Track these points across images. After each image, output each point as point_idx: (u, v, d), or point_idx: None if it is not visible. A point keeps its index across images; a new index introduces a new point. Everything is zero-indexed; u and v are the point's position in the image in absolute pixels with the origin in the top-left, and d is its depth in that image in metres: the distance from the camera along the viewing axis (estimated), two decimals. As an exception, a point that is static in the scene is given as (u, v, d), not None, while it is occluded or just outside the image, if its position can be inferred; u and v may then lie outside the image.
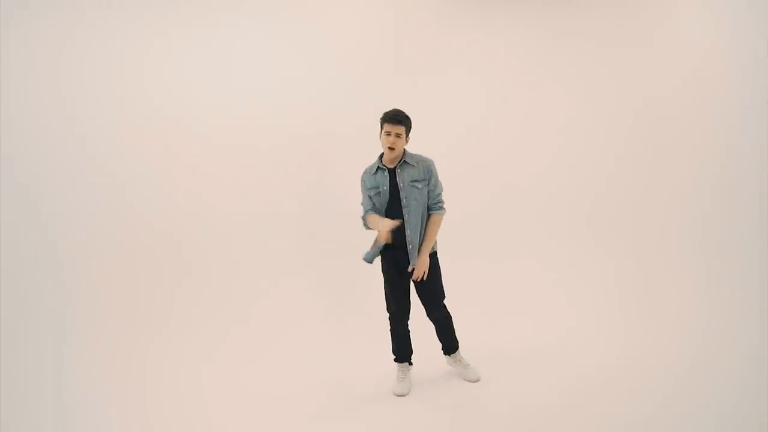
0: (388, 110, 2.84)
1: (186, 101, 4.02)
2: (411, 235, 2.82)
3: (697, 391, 2.65)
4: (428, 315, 2.99)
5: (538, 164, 4.66)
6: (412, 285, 2.95)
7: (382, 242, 2.80)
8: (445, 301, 2.98)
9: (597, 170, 4.53)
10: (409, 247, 2.83)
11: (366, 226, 2.91)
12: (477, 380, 2.99)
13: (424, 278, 2.83)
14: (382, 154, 2.89)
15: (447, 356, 3.12)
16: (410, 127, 2.88)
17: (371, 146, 3.19)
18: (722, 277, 3.78)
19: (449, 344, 3.08)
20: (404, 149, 2.91)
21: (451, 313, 3.02)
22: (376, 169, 2.91)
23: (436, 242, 2.92)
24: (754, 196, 3.46)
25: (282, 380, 3.13)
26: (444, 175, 3.00)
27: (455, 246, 3.53)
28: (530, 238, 4.53)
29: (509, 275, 4.32)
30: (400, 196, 2.83)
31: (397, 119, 2.80)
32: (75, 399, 2.97)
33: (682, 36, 3.92)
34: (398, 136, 2.81)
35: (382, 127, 2.85)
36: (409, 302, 2.95)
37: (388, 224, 2.66)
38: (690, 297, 3.80)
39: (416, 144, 3.13)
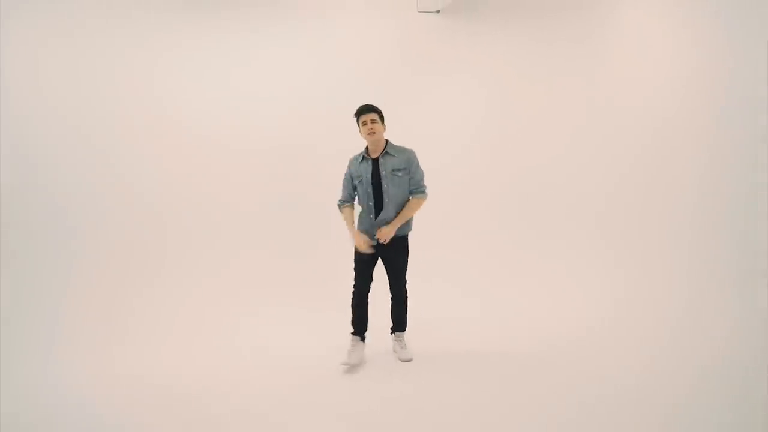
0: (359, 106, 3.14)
1: (186, 101, 4.29)
2: (386, 216, 3.09)
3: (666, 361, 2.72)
4: (391, 289, 3.24)
5: (523, 164, 4.95)
6: (377, 267, 3.20)
7: (359, 249, 3.09)
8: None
9: (581, 169, 4.71)
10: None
11: (340, 210, 3.28)
12: (409, 360, 3.18)
13: (386, 245, 3.09)
14: (367, 147, 3.18)
15: (392, 333, 3.34)
16: (383, 115, 3.15)
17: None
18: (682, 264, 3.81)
19: (399, 323, 3.31)
20: (387, 140, 3.17)
21: (408, 298, 3.27)
22: (362, 159, 3.18)
23: (411, 226, 3.21)
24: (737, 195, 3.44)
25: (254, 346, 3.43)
26: (441, 171, 3.21)
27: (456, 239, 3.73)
28: (516, 231, 4.84)
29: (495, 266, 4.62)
30: (382, 183, 3.09)
31: (368, 108, 3.10)
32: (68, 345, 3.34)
33: (655, 48, 4.01)
34: (374, 122, 3.07)
35: (358, 122, 3.13)
36: (371, 281, 3.20)
37: (360, 244, 3.06)
38: (666, 286, 3.83)
39: (417, 144, 3.32)
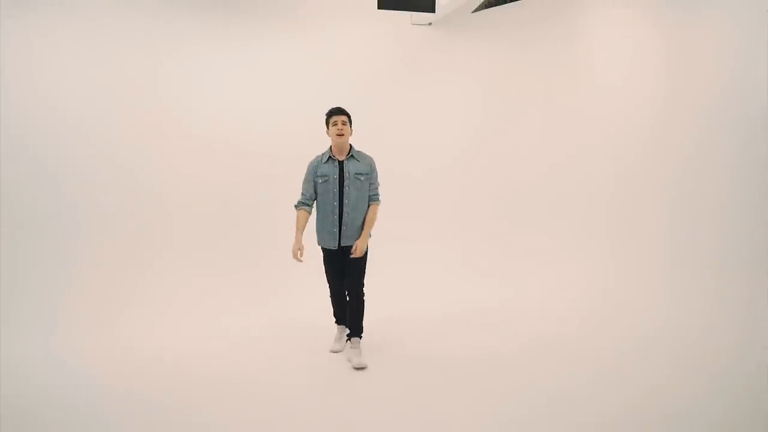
0: (331, 108, 3.31)
1: (188, 102, 4.65)
2: (347, 217, 3.23)
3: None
4: (348, 287, 3.32)
5: (507, 163, 5.34)
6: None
7: (294, 255, 3.26)
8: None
9: (562, 168, 5.09)
10: (344, 227, 3.24)
11: (296, 210, 3.35)
12: (364, 368, 3.19)
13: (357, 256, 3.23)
14: (331, 147, 3.31)
15: (348, 340, 3.41)
16: (351, 119, 3.32)
17: (368, 146, 3.68)
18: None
19: (356, 328, 3.35)
20: (350, 145, 3.32)
21: (365, 302, 3.36)
22: (327, 159, 3.29)
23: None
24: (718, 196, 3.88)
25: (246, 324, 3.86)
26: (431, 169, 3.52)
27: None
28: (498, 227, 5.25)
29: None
30: (344, 184, 3.24)
31: (339, 110, 3.27)
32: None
33: (623, 56, 4.47)
34: (344, 123, 3.24)
35: (328, 123, 3.29)
36: (342, 277, 3.36)
37: (295, 252, 3.23)
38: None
39: (409, 144, 3.59)
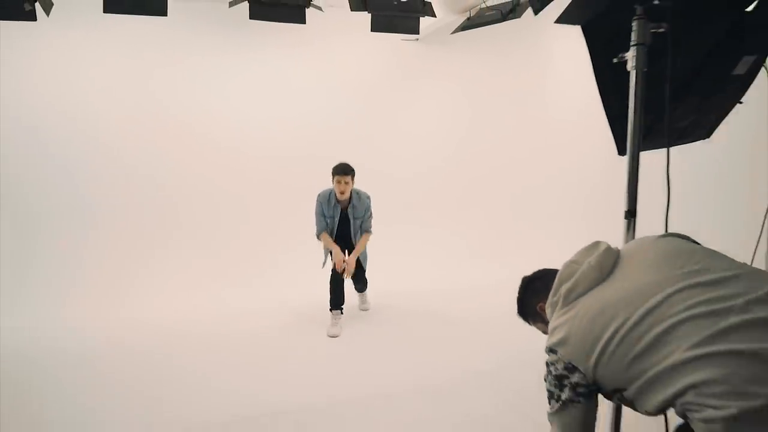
0: (337, 165, 4.11)
1: (202, 108, 5.49)
2: (353, 240, 4.31)
3: None
4: (356, 287, 4.59)
5: (485, 158, 6.25)
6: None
7: (337, 268, 4.15)
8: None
9: (530, 163, 6.09)
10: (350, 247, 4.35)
11: (318, 238, 4.26)
12: (367, 309, 4.64)
13: (352, 274, 4.22)
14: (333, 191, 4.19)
15: (358, 294, 4.66)
16: (354, 174, 4.14)
17: (364, 147, 4.72)
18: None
19: (361, 287, 4.60)
20: (352, 190, 4.18)
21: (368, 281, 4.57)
22: (334, 203, 4.20)
23: (366, 251, 4.40)
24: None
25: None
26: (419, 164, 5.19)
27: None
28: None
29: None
30: (351, 225, 4.27)
31: (344, 171, 4.08)
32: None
33: (581, 67, 5.22)
34: (346, 183, 4.08)
35: (333, 177, 4.11)
36: (343, 286, 4.25)
37: (338, 263, 4.11)
38: None
39: (400, 144, 4.94)
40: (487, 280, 5.17)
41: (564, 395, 1.36)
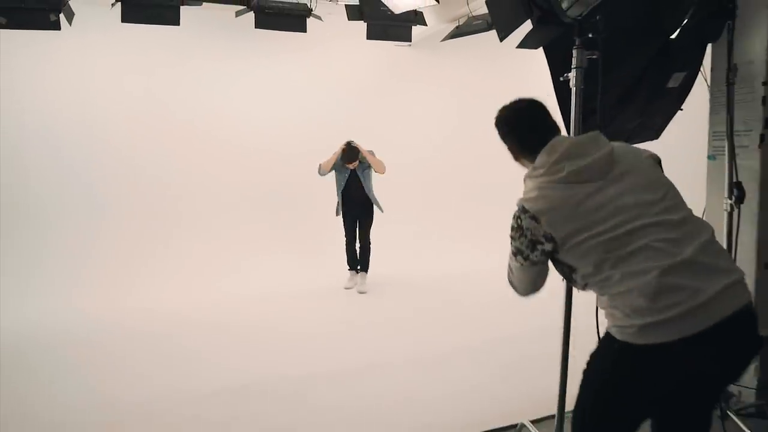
0: (343, 153, 5.13)
1: (207, 108, 5.96)
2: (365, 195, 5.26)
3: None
4: (359, 240, 5.35)
5: (472, 155, 6.63)
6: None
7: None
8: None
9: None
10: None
11: (320, 172, 5.21)
12: (364, 293, 5.23)
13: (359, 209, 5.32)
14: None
15: (357, 273, 5.40)
16: (359, 153, 5.15)
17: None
18: None
19: (364, 265, 5.37)
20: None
21: (371, 250, 5.35)
22: (340, 165, 5.24)
23: (380, 205, 5.32)
24: None
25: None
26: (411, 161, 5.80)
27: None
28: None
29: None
30: (362, 178, 5.31)
31: (351, 160, 5.17)
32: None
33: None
34: (354, 166, 5.19)
35: (341, 156, 5.18)
36: (355, 233, 5.37)
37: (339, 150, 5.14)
38: None
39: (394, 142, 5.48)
40: (479, 267, 5.62)
41: (533, 256, 1.58)
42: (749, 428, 2.50)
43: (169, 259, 5.61)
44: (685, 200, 1.63)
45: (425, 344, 3.93)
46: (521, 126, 1.84)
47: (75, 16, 4.76)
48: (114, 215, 5.58)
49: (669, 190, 1.60)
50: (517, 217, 1.62)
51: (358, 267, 5.39)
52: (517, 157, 1.85)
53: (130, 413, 3.00)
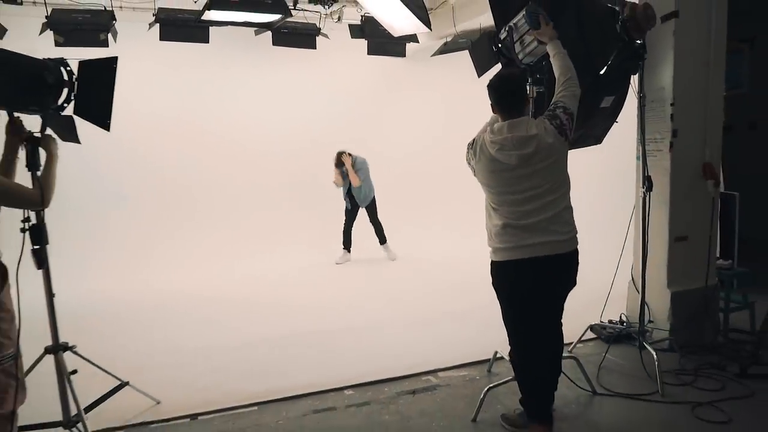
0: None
1: (221, 113, 6.99)
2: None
3: None
4: (371, 222, 6.62)
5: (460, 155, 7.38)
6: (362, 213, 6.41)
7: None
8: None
9: None
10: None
11: (337, 186, 6.61)
12: (394, 259, 6.62)
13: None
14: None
15: (381, 245, 6.63)
16: (343, 165, 6.36)
17: (360, 145, 6.28)
18: None
19: (382, 239, 6.65)
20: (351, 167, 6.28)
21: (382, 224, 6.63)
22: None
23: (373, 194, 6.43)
24: None
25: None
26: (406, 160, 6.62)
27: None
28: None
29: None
30: (354, 192, 6.59)
31: (338, 165, 6.25)
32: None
33: None
34: (338, 175, 6.18)
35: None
36: (353, 221, 6.61)
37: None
38: None
39: (389, 144, 6.33)
40: (460, 252, 6.58)
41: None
42: (659, 357, 3.40)
43: (202, 247, 6.60)
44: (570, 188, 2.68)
45: (415, 309, 4.90)
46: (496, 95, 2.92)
47: (118, 35, 5.61)
48: (143, 211, 6.55)
49: (555, 179, 2.63)
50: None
51: (379, 241, 6.65)
52: (493, 109, 2.92)
53: (195, 355, 3.93)
